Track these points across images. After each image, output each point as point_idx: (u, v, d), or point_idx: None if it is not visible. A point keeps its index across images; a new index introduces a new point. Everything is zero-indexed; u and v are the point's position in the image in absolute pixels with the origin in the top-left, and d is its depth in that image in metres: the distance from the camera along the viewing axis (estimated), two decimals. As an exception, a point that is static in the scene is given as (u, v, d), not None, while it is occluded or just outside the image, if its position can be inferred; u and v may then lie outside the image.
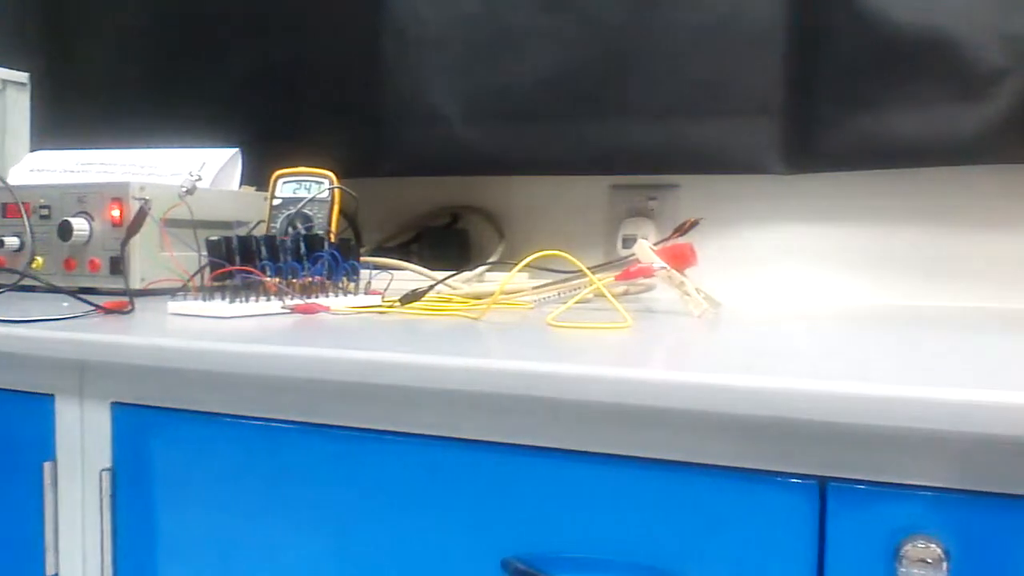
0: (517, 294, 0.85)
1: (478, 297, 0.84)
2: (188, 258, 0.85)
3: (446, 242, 1.17)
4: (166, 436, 0.61)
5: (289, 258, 0.75)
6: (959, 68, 0.90)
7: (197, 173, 0.88)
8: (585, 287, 0.82)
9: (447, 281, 0.88)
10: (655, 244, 0.80)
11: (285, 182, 0.89)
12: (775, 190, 1.06)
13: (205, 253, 0.71)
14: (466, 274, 0.95)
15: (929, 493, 0.43)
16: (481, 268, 0.98)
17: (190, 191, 0.82)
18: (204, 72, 1.23)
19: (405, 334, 0.60)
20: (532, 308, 0.82)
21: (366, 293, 0.82)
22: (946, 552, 0.42)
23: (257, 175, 1.02)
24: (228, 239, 0.71)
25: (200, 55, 1.23)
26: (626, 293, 0.92)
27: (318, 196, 0.87)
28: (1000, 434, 0.39)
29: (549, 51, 1.05)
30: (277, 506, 0.58)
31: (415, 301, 0.77)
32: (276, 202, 0.88)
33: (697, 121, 1.00)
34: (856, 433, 0.44)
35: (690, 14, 1.00)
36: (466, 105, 1.09)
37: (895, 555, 0.43)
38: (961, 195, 0.99)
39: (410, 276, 0.95)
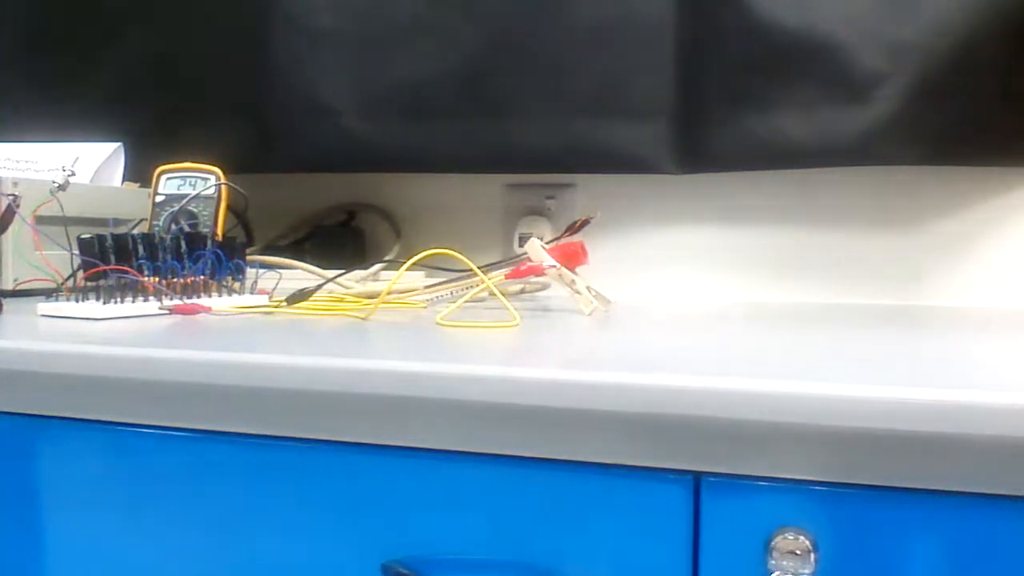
0: (409, 293, 0.84)
1: (371, 296, 0.82)
2: (63, 258, 0.82)
3: (341, 241, 1.15)
4: (33, 444, 0.58)
5: (168, 257, 0.72)
6: (843, 71, 0.92)
7: (70, 168, 0.84)
8: (479, 286, 0.82)
9: (339, 280, 0.86)
10: (547, 243, 0.80)
11: (169, 178, 0.86)
12: (669, 190, 1.08)
13: (77, 252, 0.68)
14: (359, 273, 0.94)
15: (797, 486, 0.44)
16: (376, 267, 0.96)
17: (62, 187, 0.78)
18: (87, 64, 1.18)
19: (286, 335, 0.59)
20: (425, 307, 0.81)
21: (253, 293, 0.80)
22: (814, 543, 0.43)
23: (143, 171, 0.98)
24: (101, 237, 0.68)
25: (83, 46, 1.18)
26: (522, 292, 0.92)
27: (204, 193, 0.84)
28: (864, 427, 0.40)
29: (444, 47, 1.04)
30: (152, 514, 0.55)
31: (302, 301, 0.75)
32: (159, 199, 0.85)
33: (590, 121, 1.01)
34: (728, 428, 0.44)
35: (582, 14, 1.00)
36: (359, 100, 1.07)
37: (766, 547, 0.44)
38: (846, 196, 1.03)
39: (301, 275, 0.93)
